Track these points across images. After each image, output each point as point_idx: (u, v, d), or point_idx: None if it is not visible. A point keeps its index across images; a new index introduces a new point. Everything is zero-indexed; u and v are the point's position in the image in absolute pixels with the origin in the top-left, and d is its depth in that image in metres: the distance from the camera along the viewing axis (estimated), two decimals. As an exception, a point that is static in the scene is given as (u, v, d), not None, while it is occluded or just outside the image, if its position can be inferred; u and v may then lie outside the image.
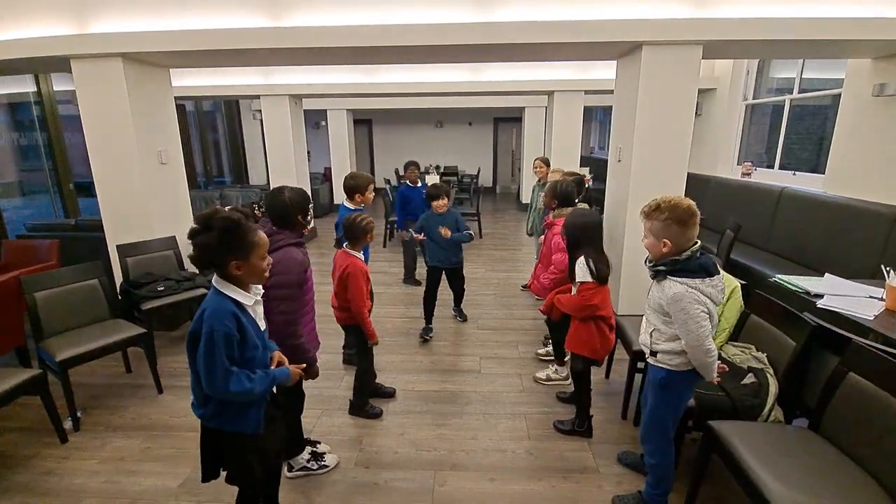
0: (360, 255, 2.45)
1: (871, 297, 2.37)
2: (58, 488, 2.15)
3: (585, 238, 2.26)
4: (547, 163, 4.63)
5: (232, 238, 1.33)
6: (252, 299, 1.44)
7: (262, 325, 1.52)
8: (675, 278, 1.63)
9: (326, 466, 2.20)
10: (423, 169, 6.51)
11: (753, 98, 5.58)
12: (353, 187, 3.01)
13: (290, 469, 2.15)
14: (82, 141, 3.55)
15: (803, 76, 4.80)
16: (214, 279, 1.40)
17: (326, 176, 10.64)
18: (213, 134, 10.22)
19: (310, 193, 7.58)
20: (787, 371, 1.98)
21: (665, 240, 1.63)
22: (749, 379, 2.04)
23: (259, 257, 1.40)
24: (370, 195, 3.05)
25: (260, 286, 1.51)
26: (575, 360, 2.38)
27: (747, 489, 1.57)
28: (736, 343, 2.30)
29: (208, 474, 1.54)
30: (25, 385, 2.31)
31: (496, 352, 3.45)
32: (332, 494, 2.07)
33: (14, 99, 6.15)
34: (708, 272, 1.62)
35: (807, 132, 5.10)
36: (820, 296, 2.40)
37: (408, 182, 5.02)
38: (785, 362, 1.99)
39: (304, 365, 1.69)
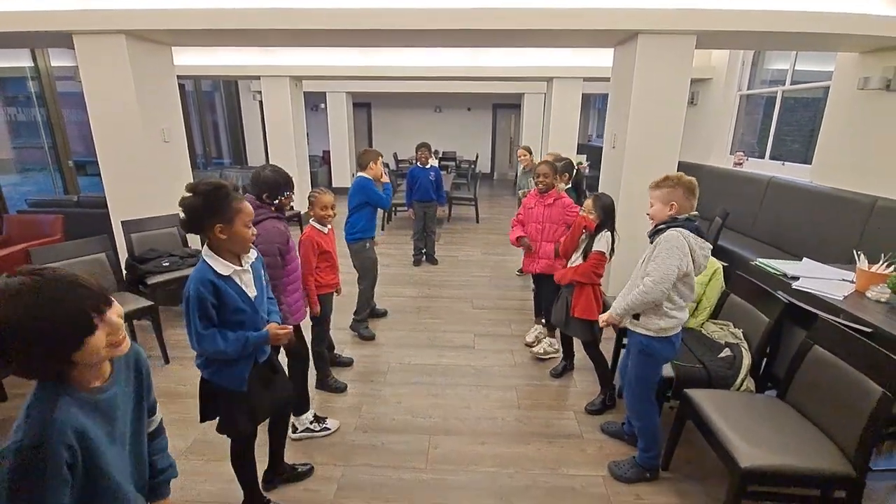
0: (324, 229, 2.53)
1: (843, 279, 2.53)
2: (73, 447, 2.27)
3: (612, 217, 2.49)
4: (530, 151, 4.95)
5: (216, 202, 1.42)
6: (231, 269, 1.49)
7: (252, 293, 1.57)
8: (670, 228, 1.81)
9: (328, 429, 2.35)
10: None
11: (748, 89, 5.67)
12: (369, 158, 3.28)
13: (294, 430, 2.29)
14: (78, 119, 3.59)
15: (798, 68, 4.88)
16: (203, 249, 1.50)
17: (325, 159, 10.66)
18: (212, 115, 10.19)
19: (308, 176, 7.69)
20: (760, 344, 2.13)
21: (672, 202, 1.81)
22: (725, 353, 2.18)
23: (242, 224, 1.47)
24: (377, 168, 3.27)
25: (251, 255, 1.58)
26: (584, 331, 2.51)
27: (716, 447, 1.73)
28: (716, 321, 2.45)
29: (205, 416, 1.67)
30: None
31: (490, 329, 3.59)
32: (333, 454, 2.22)
33: (10, 74, 6.13)
34: (699, 233, 1.81)
35: (799, 124, 5.21)
36: (796, 278, 2.55)
37: (418, 163, 5.13)
38: (759, 337, 2.14)
39: (290, 328, 1.71)
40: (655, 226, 1.88)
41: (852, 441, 1.58)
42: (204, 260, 1.48)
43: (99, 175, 3.76)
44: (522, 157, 4.93)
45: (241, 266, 1.54)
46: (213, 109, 10.35)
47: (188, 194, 1.43)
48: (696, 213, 1.86)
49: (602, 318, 2.09)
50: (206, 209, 1.41)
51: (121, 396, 0.99)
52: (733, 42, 3.86)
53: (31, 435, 0.81)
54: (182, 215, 1.45)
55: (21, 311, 0.79)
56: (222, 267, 1.48)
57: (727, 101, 5.80)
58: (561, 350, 3.01)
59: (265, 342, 1.61)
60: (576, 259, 2.56)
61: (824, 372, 1.77)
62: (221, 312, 1.48)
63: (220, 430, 1.66)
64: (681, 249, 1.76)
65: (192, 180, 4.24)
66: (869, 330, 1.86)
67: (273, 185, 2.13)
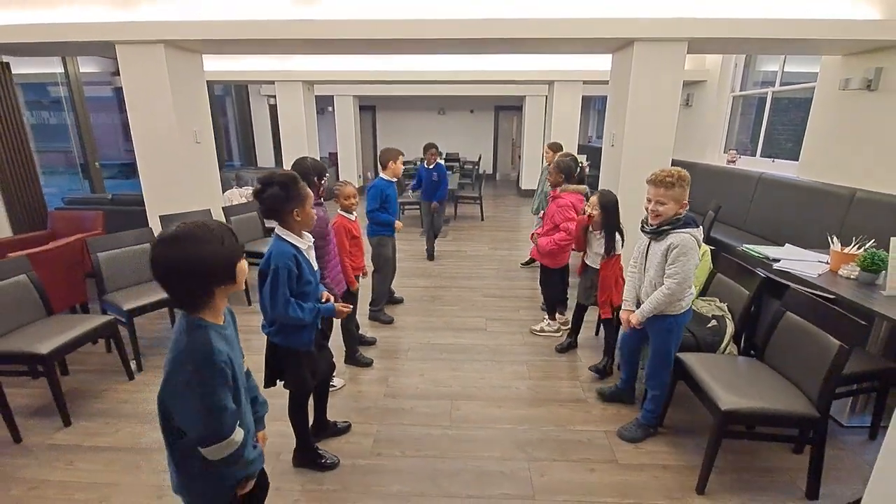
0: (351, 216, 2.87)
1: (819, 261, 2.82)
2: (134, 412, 2.57)
3: (616, 216, 2.68)
4: (554, 148, 4.88)
5: (293, 190, 1.72)
6: (305, 244, 1.82)
7: (315, 266, 1.91)
8: (679, 231, 2.03)
9: (334, 386, 2.69)
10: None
11: (741, 90, 5.97)
12: (388, 157, 3.56)
13: None
14: (99, 123, 3.85)
15: (788, 70, 5.18)
16: (277, 229, 1.78)
17: (332, 160, 10.97)
18: (223, 118, 10.50)
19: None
20: (742, 314, 2.42)
21: (685, 201, 2.05)
22: (711, 324, 2.48)
23: (310, 206, 1.80)
24: (397, 166, 3.53)
25: (310, 235, 1.88)
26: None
27: (702, 397, 2.02)
28: (704, 298, 2.74)
29: (269, 382, 1.95)
30: (102, 328, 2.71)
31: (500, 314, 3.89)
32: (367, 416, 2.51)
33: (37, 80, 6.43)
34: (696, 223, 2.07)
35: (792, 123, 5.50)
36: (777, 260, 2.85)
37: (426, 163, 5.39)
38: (741, 308, 2.43)
39: (350, 306, 2.07)
40: (660, 224, 2.06)
41: (816, 388, 1.87)
42: (282, 238, 1.76)
43: (112, 177, 4.04)
44: (548, 155, 4.80)
45: (307, 243, 1.84)
46: (224, 112, 10.67)
47: (262, 187, 1.71)
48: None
49: (630, 321, 2.20)
50: (286, 198, 1.70)
51: (231, 336, 1.22)
52: (722, 47, 4.17)
53: (203, 359, 1.06)
54: (262, 206, 1.73)
55: (191, 251, 1.06)
56: (299, 241, 1.78)
57: (720, 102, 6.10)
58: (562, 330, 3.34)
59: (330, 314, 1.92)
60: (596, 253, 2.83)
61: (794, 333, 2.06)
62: (297, 283, 1.77)
63: (287, 386, 1.97)
64: (694, 250, 2.02)
65: (219, 179, 4.60)
66: (832, 297, 2.15)
67: (315, 171, 2.44)
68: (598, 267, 2.82)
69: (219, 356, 1.08)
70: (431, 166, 5.37)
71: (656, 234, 2.09)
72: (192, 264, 1.05)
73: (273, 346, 1.90)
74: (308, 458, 2.11)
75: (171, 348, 1.09)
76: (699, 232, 2.06)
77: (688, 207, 2.07)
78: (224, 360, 1.09)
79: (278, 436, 2.27)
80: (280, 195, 1.69)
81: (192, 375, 1.05)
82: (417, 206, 5.74)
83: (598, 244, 2.85)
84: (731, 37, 3.47)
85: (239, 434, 1.15)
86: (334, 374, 2.68)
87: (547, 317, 3.52)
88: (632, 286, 2.31)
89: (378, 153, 3.65)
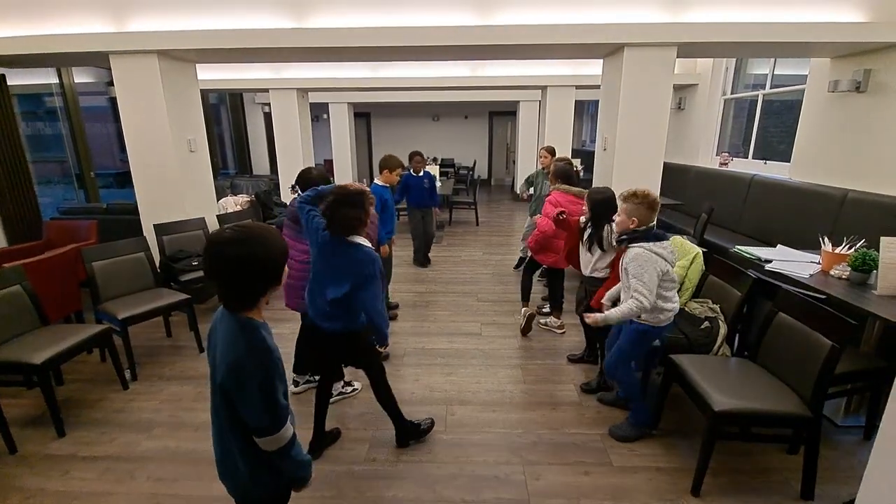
0: None
1: (811, 261, 2.84)
2: (130, 421, 2.56)
3: (605, 212, 2.65)
4: (551, 152, 4.79)
5: (364, 205, 1.90)
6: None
7: None
8: (633, 245, 2.16)
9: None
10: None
11: (732, 93, 6.03)
12: (383, 165, 3.67)
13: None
14: (94, 133, 3.87)
15: (778, 73, 5.23)
16: (356, 240, 1.93)
17: (327, 167, 10.99)
18: (217, 126, 10.51)
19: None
20: (734, 316, 2.43)
21: (634, 218, 2.16)
22: (704, 325, 2.49)
23: (368, 215, 1.95)
24: (392, 176, 3.62)
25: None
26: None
27: (694, 398, 2.03)
28: (697, 299, 2.75)
29: (328, 373, 2.25)
30: (97, 337, 2.70)
31: (494, 319, 3.89)
32: (363, 421, 2.51)
33: (34, 90, 6.44)
34: (658, 238, 2.15)
35: (784, 125, 5.55)
36: (770, 261, 2.87)
37: (411, 171, 5.32)
38: (733, 309, 2.45)
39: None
40: (619, 234, 2.24)
41: (809, 388, 1.88)
42: (365, 245, 1.93)
43: (107, 186, 4.03)
44: (544, 159, 4.73)
45: None
46: (219, 121, 10.69)
47: (335, 207, 1.85)
48: (654, 223, 2.18)
49: (592, 320, 2.22)
50: (364, 212, 1.89)
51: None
52: (711, 52, 4.22)
53: (264, 356, 1.11)
54: (340, 223, 1.87)
55: (260, 249, 1.10)
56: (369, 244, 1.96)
57: (712, 105, 6.15)
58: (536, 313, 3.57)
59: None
60: (590, 256, 2.78)
61: (786, 334, 2.07)
62: None
63: (365, 367, 2.20)
64: (649, 262, 2.08)
65: (213, 187, 4.60)
66: (823, 297, 2.17)
67: (321, 181, 2.48)
68: (589, 274, 2.78)
69: (276, 352, 1.14)
70: (420, 174, 5.31)
71: (618, 243, 2.28)
72: (261, 261, 1.10)
73: (331, 338, 2.03)
74: (409, 432, 2.32)
75: (228, 347, 1.11)
76: (661, 246, 2.13)
77: (646, 225, 2.14)
78: (278, 356, 1.14)
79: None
80: (358, 213, 1.88)
81: (254, 371, 1.09)
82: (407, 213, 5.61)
83: (587, 255, 2.79)
84: (719, 41, 3.50)
85: (288, 430, 1.17)
86: (351, 380, 2.83)
87: (522, 308, 3.61)
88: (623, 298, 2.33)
89: (373, 159, 3.71)
